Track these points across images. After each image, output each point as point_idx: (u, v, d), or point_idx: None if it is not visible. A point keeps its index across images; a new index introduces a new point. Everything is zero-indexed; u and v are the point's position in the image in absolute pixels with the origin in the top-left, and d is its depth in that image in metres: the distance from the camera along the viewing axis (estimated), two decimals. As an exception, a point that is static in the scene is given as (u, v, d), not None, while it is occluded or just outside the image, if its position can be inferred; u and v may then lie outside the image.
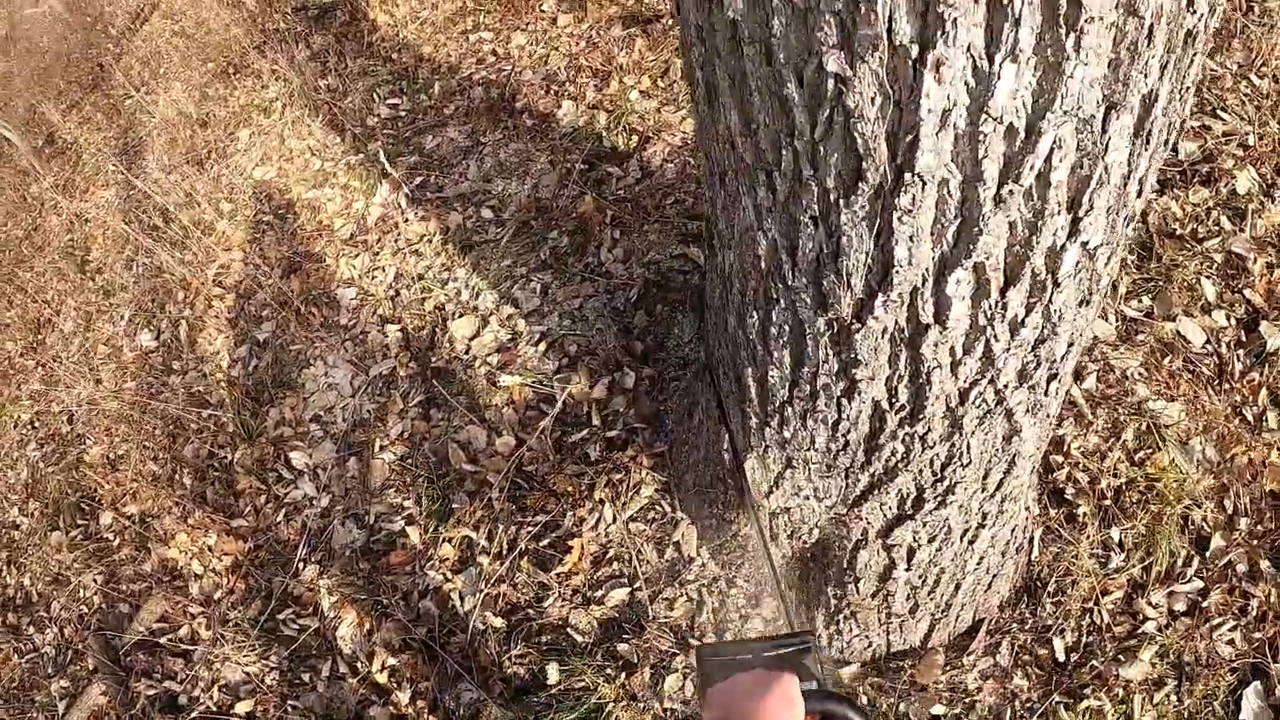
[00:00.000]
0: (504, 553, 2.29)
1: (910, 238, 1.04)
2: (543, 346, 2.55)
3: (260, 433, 2.98)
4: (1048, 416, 1.44)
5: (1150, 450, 2.07)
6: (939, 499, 1.53)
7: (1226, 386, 2.12)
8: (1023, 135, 0.90)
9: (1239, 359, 2.13)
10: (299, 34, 4.28)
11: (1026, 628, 1.98)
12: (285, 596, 2.66)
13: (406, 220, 3.15)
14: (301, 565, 2.67)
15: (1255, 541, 1.95)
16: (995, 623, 2.02)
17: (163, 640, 2.83)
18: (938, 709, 1.93)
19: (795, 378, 1.40)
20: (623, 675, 2.03)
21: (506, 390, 2.52)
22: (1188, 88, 0.99)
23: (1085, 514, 2.03)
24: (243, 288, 3.36)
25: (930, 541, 1.65)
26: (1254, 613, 1.86)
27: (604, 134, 3.06)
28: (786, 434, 1.55)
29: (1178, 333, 2.21)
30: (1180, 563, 1.95)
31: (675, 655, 2.02)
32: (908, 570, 1.73)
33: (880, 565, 1.74)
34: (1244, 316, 2.19)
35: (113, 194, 4.20)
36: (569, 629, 2.14)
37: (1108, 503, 2.04)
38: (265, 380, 3.07)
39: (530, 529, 2.27)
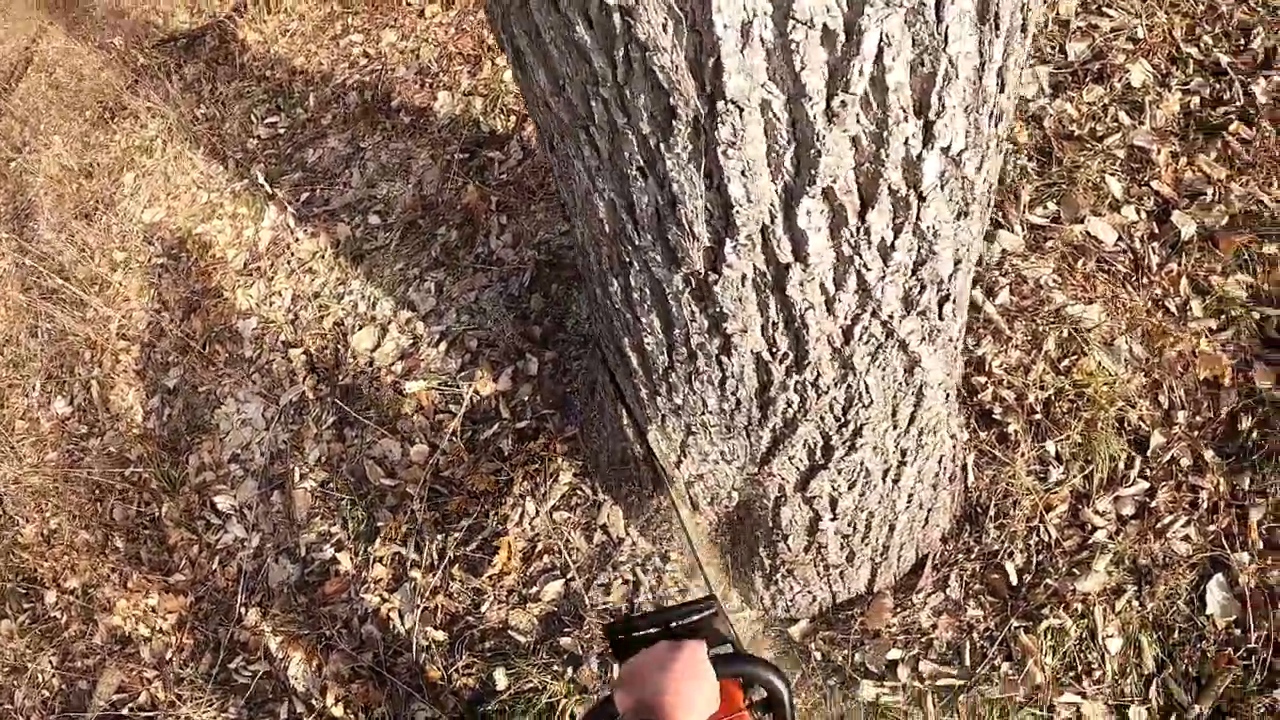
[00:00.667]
0: (435, 564, 2.21)
1: (742, 172, 0.94)
2: (444, 346, 2.45)
3: (183, 481, 2.87)
4: (950, 341, 1.36)
5: (1075, 357, 2.00)
6: (848, 444, 1.46)
7: (1145, 281, 2.07)
8: (842, 37, 0.80)
9: (1154, 251, 2.08)
10: (170, 67, 4.10)
11: (973, 557, 1.92)
12: (233, 645, 2.57)
13: (297, 240, 3.02)
14: (243, 610, 2.57)
15: (1196, 433, 1.89)
16: (940, 556, 1.95)
17: (124, 711, 2.73)
18: (894, 653, 1.88)
19: (670, 341, 1.31)
20: (569, 670, 1.96)
21: (413, 398, 2.42)
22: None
23: (1017, 431, 1.96)
24: (146, 336, 3.23)
25: (851, 488, 1.58)
26: (1204, 505, 1.81)
27: (481, 119, 2.94)
28: (678, 400, 1.47)
29: (1088, 234, 2.14)
30: (1122, 466, 1.89)
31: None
32: (834, 520, 1.66)
33: (805, 519, 1.67)
34: (1154, 209, 2.14)
35: (8, 262, 4.02)
36: (510, 631, 2.07)
37: (1038, 416, 1.97)
38: (180, 427, 2.95)
39: (456, 535, 2.19)
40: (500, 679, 2.00)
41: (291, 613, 2.44)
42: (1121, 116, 2.26)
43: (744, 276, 1.12)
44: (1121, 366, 1.98)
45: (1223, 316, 1.97)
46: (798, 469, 1.55)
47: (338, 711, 2.28)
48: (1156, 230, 2.11)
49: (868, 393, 1.34)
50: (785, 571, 1.84)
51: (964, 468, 1.96)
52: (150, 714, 2.64)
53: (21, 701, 3.02)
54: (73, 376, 3.40)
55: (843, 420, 1.41)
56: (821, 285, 1.12)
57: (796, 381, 1.32)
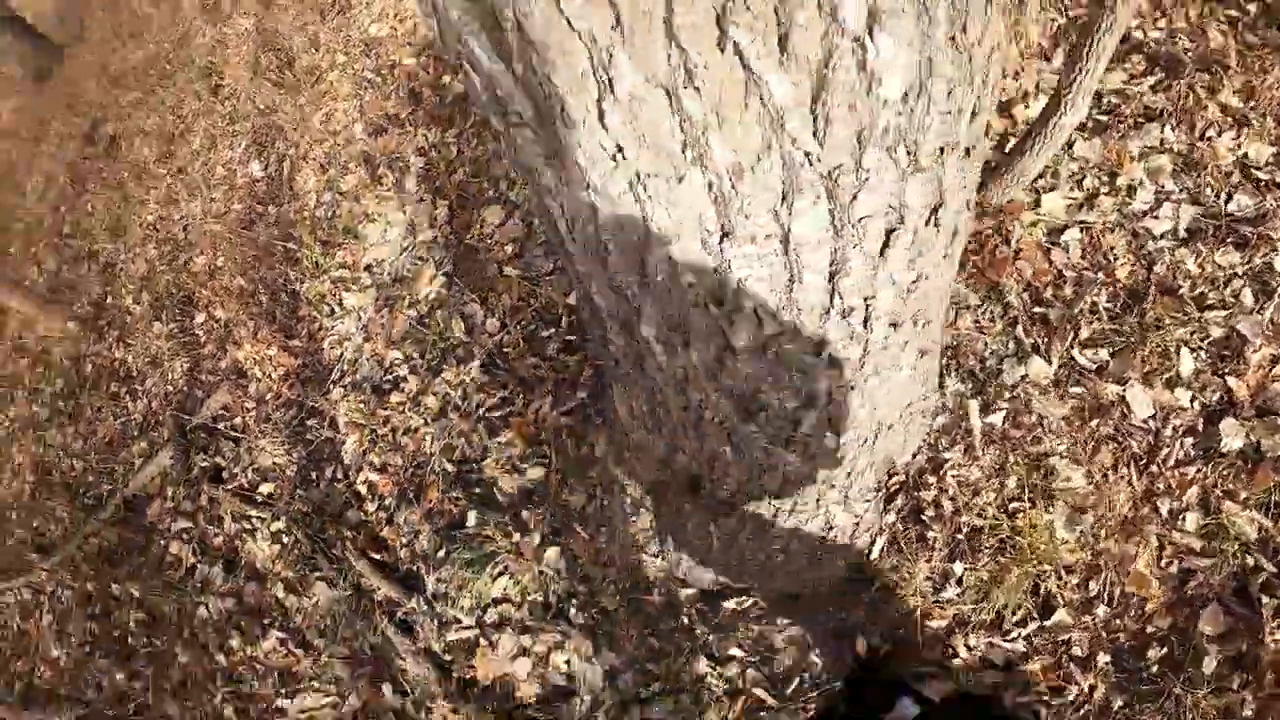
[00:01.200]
0: (469, 413, 2.98)
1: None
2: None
3: (326, 270, 3.76)
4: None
5: (1030, 505, 2.26)
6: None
7: (1153, 470, 2.15)
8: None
9: (1181, 447, 2.14)
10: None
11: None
12: (314, 409, 3.48)
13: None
14: (331, 387, 3.47)
15: (1105, 634, 2.03)
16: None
17: (220, 426, 3.75)
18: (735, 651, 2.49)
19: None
20: (518, 535, 2.71)
21: (508, 280, 3.14)
22: None
23: (935, 540, 2.33)
24: (338, 140, 4.10)
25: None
26: (1069, 698, 2.00)
27: None
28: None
29: (1123, 398, 2.25)
30: (1014, 620, 2.11)
31: (557, 534, 2.68)
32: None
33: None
34: (1212, 405, 2.16)
35: (250, 24, 5.00)
36: (495, 488, 2.83)
37: (961, 537, 2.31)
38: (338, 225, 3.82)
39: (491, 400, 2.94)
40: (471, 519, 2.79)
41: (361, 405, 3.30)
42: (1243, 295, 2.22)
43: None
44: (1072, 537, 2.18)
45: (1214, 544, 2.04)
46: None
47: (361, 489, 3.15)
48: (1200, 428, 2.15)
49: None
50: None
51: (872, 543, 2.43)
52: (238, 435, 3.63)
53: (149, 387, 4.12)
54: (271, 148, 4.35)
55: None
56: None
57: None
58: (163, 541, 3.70)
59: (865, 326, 1.36)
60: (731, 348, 1.30)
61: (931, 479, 2.42)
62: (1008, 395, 2.42)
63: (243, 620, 3.30)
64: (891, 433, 2.01)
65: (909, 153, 1.03)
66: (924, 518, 2.40)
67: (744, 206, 1.04)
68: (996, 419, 2.42)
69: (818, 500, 2.01)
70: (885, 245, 1.20)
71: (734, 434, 1.63)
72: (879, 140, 0.98)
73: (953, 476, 2.40)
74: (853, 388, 1.55)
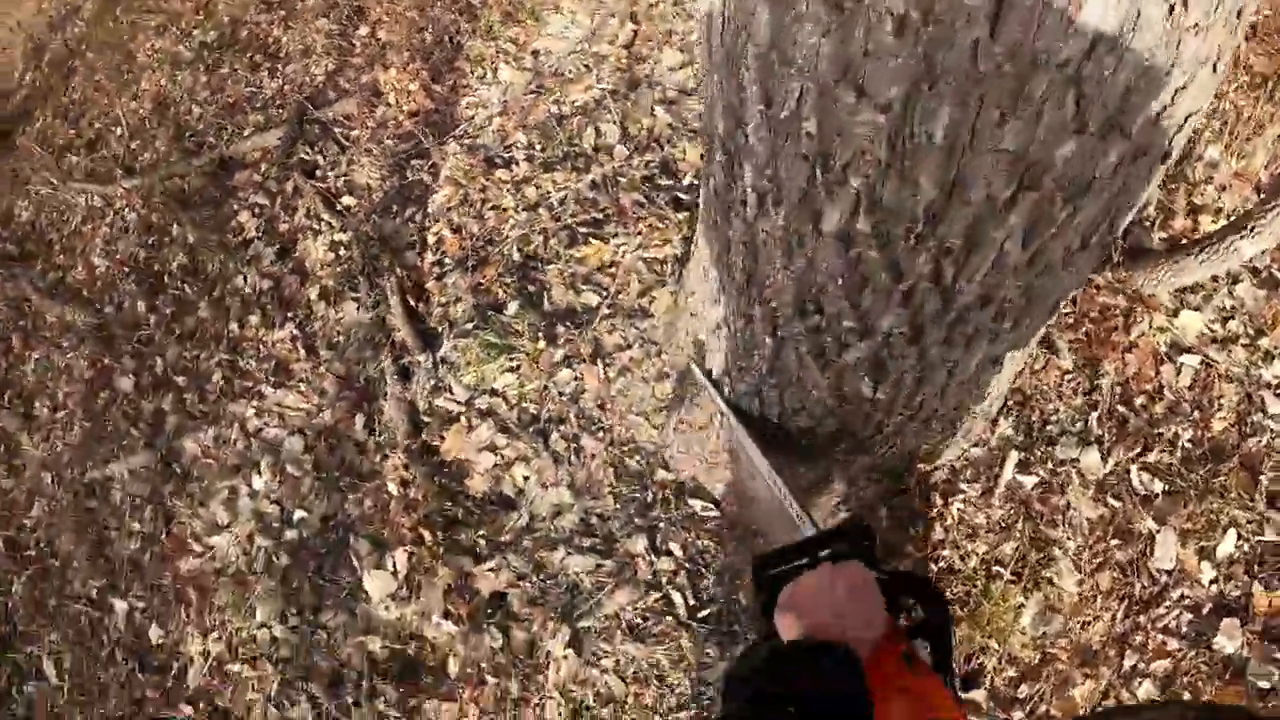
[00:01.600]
0: (558, 217, 3.14)
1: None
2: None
3: (496, 37, 3.93)
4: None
5: (1011, 581, 2.37)
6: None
7: (1140, 621, 2.28)
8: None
9: (1178, 618, 2.26)
10: None
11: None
12: (424, 153, 3.69)
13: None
14: (449, 140, 3.66)
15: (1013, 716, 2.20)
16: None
17: (336, 130, 4.00)
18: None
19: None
20: (544, 344, 2.88)
21: (655, 120, 3.27)
22: None
23: (909, 554, 2.47)
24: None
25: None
26: None
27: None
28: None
29: (1152, 538, 2.34)
30: None
31: (579, 362, 2.83)
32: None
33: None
34: (1229, 597, 2.26)
35: None
36: (547, 294, 3.00)
37: (933, 567, 2.45)
38: (526, 4, 3.97)
39: (584, 214, 3.09)
40: (511, 308, 2.97)
41: (468, 167, 3.49)
42: None
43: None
44: (1032, 632, 2.31)
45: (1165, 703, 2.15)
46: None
47: (432, 238, 3.36)
48: (1204, 611, 2.26)
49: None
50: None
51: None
52: (346, 144, 3.87)
53: (289, 71, 4.37)
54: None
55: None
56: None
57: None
58: (236, 207, 3.99)
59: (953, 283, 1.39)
60: (818, 228, 1.35)
61: (937, 500, 2.52)
62: (1050, 467, 2.50)
63: (269, 304, 3.57)
64: (921, 426, 2.09)
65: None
66: (910, 531, 2.48)
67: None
68: (1028, 482, 2.51)
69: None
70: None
71: (779, 329, 1.72)
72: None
73: (958, 509, 2.51)
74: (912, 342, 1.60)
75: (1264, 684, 2.18)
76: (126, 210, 4.40)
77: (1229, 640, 2.23)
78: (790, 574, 1.14)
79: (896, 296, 1.43)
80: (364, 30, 4.38)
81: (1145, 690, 2.25)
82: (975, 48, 0.95)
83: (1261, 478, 2.37)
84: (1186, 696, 2.20)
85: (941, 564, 2.50)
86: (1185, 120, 1.14)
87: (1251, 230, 2.14)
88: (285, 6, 4.84)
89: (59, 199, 4.72)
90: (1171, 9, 0.91)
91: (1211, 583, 2.31)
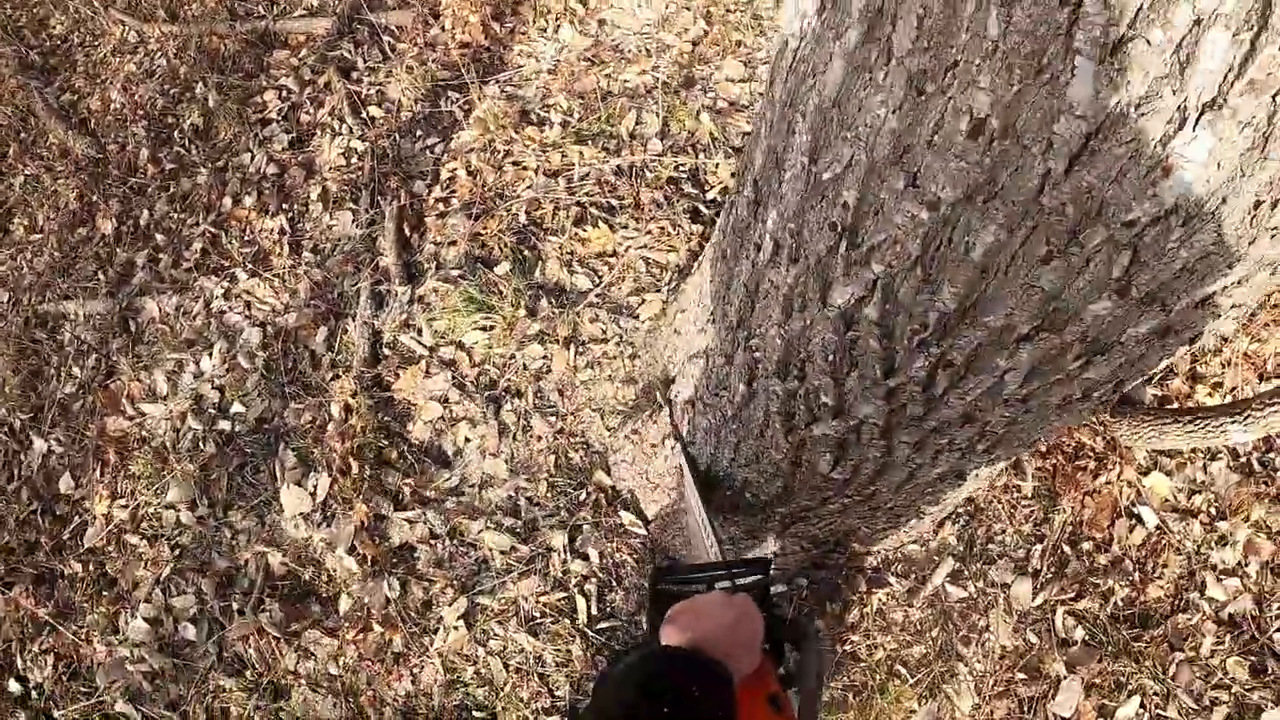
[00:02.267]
0: (574, 191, 3.01)
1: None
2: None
3: (569, -7, 3.78)
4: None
5: (913, 683, 2.37)
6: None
7: None
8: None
9: None
10: None
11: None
12: (461, 88, 3.54)
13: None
14: (490, 82, 3.52)
15: None
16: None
17: (384, 38, 3.84)
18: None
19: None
20: (523, 313, 2.76)
21: (700, 124, 3.14)
22: None
23: (818, 631, 2.43)
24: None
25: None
26: None
27: None
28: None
29: (1058, 684, 2.34)
30: None
31: (553, 342, 2.72)
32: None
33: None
34: None
35: None
36: (541, 265, 2.88)
37: (839, 649, 2.44)
38: None
39: (601, 196, 2.97)
40: (502, 269, 2.88)
41: (499, 114, 3.35)
42: (1216, 711, 2.30)
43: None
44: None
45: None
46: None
47: (445, 173, 3.22)
48: None
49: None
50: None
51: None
52: (389, 55, 3.71)
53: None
54: None
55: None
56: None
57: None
58: (265, 84, 3.84)
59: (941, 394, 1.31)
60: (825, 299, 1.25)
61: (862, 585, 2.47)
62: (981, 585, 2.45)
63: (268, 190, 3.43)
64: (868, 512, 2.00)
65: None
66: (827, 606, 2.42)
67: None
68: (955, 593, 2.46)
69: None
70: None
71: (755, 381, 1.62)
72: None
73: (879, 599, 2.46)
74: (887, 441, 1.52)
75: None
76: (158, 54, 4.22)
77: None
78: (686, 593, 1.15)
79: (881, 390, 1.33)
80: (440, -53, 4.21)
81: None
82: (1044, 179, 0.84)
83: (1179, 654, 2.32)
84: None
85: (848, 648, 2.42)
86: (1230, 310, 1.04)
87: (1245, 419, 2.06)
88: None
89: (96, 23, 4.53)
90: (1257, 205, 0.80)
91: (1106, 747, 2.27)
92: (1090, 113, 0.77)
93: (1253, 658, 2.33)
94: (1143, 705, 2.27)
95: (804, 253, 1.24)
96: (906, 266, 1.06)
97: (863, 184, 1.04)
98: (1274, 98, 0.70)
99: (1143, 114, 0.74)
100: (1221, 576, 2.41)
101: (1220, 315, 1.05)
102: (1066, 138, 0.79)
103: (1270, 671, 2.31)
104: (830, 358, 1.34)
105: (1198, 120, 0.73)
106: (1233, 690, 2.29)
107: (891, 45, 0.90)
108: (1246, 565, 2.43)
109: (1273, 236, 0.86)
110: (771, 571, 1.22)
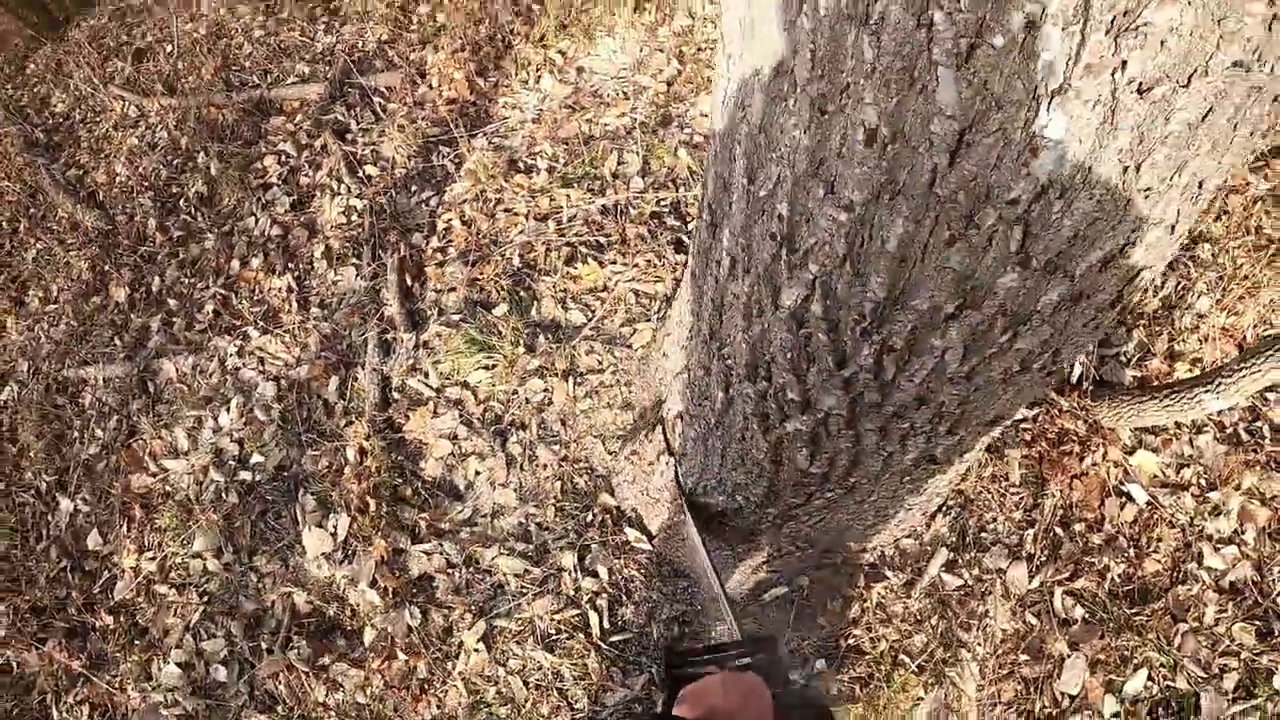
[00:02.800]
0: (564, 232, 3.21)
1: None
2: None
3: (548, 47, 4.02)
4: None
5: (913, 670, 2.46)
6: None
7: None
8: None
9: None
10: None
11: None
12: (452, 142, 3.76)
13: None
14: (479, 135, 3.73)
15: None
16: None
17: (375, 98, 4.07)
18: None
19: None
20: (523, 352, 2.96)
21: (677, 160, 3.35)
22: None
23: (822, 627, 2.58)
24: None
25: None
26: None
27: None
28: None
29: (1062, 661, 2.39)
30: None
31: (552, 375, 2.90)
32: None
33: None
34: None
35: None
36: (536, 305, 3.08)
37: (841, 644, 2.56)
38: (583, 19, 4.06)
39: (590, 234, 3.17)
40: (500, 310, 3.05)
41: (489, 165, 3.56)
42: (1228, 676, 2.33)
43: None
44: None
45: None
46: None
47: (442, 224, 3.42)
48: None
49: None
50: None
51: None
52: (381, 115, 3.93)
53: (345, 34, 4.46)
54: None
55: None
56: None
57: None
58: (264, 150, 4.06)
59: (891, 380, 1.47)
60: (777, 302, 1.43)
61: (861, 580, 2.59)
62: (976, 573, 2.55)
63: (274, 251, 3.64)
64: (855, 505, 2.16)
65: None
66: (828, 604, 2.56)
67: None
68: (951, 582, 2.56)
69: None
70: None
71: (731, 387, 1.79)
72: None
73: (879, 593, 2.56)
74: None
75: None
76: (159, 127, 4.46)
77: (1112, 776, 2.28)
78: (697, 675, 1.22)
79: (838, 380, 1.50)
80: (424, 9, 4.47)
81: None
82: (934, 173, 1.03)
83: (1182, 625, 2.40)
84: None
85: (851, 641, 2.56)
86: (1136, 273, 1.21)
87: (1217, 386, 2.18)
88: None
89: (97, 99, 4.78)
90: (1124, 170, 0.98)
91: (1113, 716, 2.35)
92: (958, 112, 0.95)
93: (1258, 622, 2.38)
94: (1150, 678, 2.36)
95: (754, 263, 1.43)
96: (837, 264, 1.24)
97: (791, 196, 1.23)
98: (1111, 75, 0.88)
99: (1001, 106, 0.93)
100: (1219, 546, 2.50)
101: (1131, 278, 1.22)
102: (943, 135, 0.98)
103: (1277, 634, 2.37)
104: (789, 355, 1.51)
105: (1050, 104, 0.91)
106: (1241, 656, 2.35)
107: (795, 77, 1.09)
108: (1243, 533, 2.51)
109: (1145, 196, 1.03)
110: (777, 648, 1.30)
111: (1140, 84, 0.88)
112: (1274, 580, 2.43)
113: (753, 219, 1.36)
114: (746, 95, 1.23)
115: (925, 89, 0.96)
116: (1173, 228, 1.14)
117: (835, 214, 1.17)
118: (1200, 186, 1.08)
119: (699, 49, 3.84)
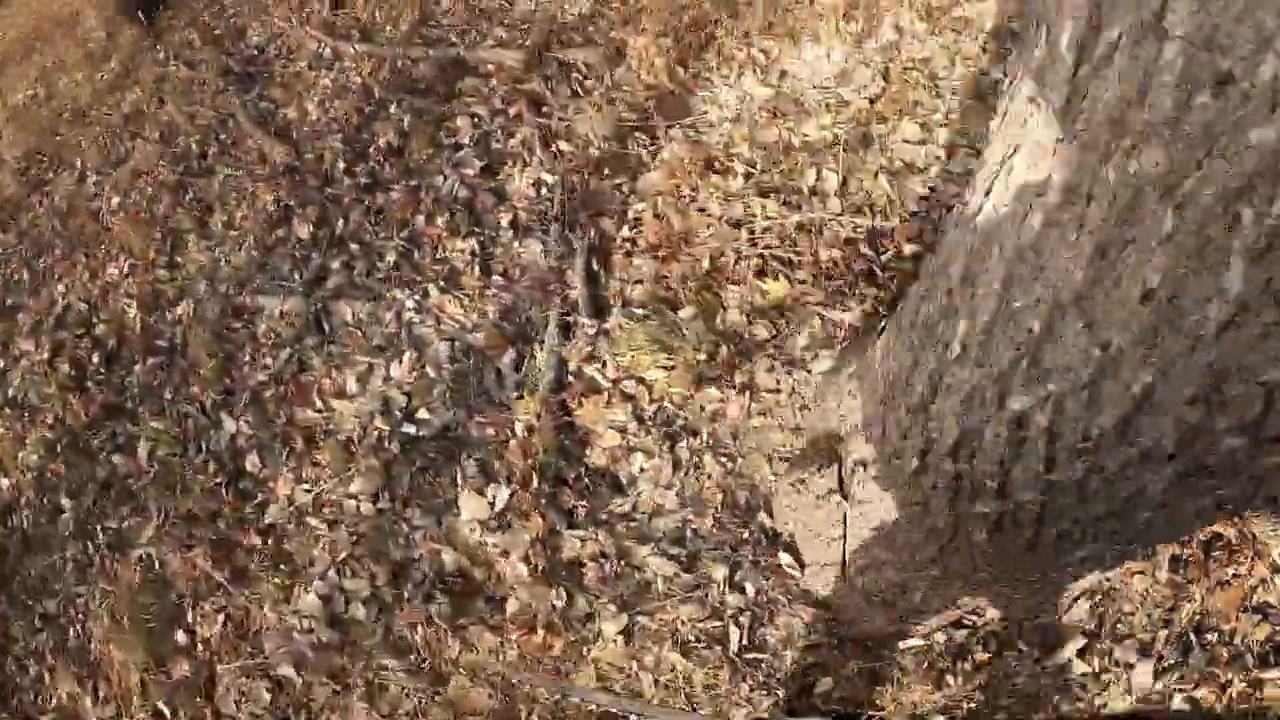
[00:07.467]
0: (755, 243, 3.47)
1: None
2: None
3: (751, 43, 4.25)
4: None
5: None
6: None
7: None
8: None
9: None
10: None
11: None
12: (650, 129, 4.03)
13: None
14: (678, 129, 4.00)
15: None
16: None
17: (573, 74, 4.37)
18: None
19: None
20: (703, 358, 3.23)
21: (877, 184, 3.56)
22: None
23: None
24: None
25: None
26: None
27: None
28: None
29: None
30: None
31: (729, 387, 3.16)
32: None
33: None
34: None
35: None
36: (723, 311, 3.34)
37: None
38: (787, 20, 4.27)
39: (782, 253, 3.42)
40: (686, 312, 3.30)
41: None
42: None
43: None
44: None
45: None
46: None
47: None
48: None
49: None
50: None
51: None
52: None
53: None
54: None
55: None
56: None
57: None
58: (456, 110, 4.43)
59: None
60: (1004, 403, 1.66)
61: (993, 647, 2.78)
62: (1104, 661, 2.72)
63: (460, 212, 4.02)
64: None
65: None
66: (957, 666, 2.78)
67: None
68: (1079, 667, 2.75)
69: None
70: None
71: (929, 457, 2.04)
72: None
73: (1008, 666, 2.76)
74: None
75: None
76: (353, 72, 4.86)
77: None
78: None
79: (1041, 484, 1.73)
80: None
81: None
82: (1196, 340, 1.26)
83: None
84: None
85: (971, 704, 2.77)
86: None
87: None
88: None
89: (292, 37, 5.21)
90: None
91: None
92: (1238, 299, 1.18)
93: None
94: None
95: (989, 361, 1.67)
96: (1076, 389, 1.48)
97: (1047, 317, 1.46)
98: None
99: (1278, 304, 1.15)
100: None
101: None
102: (1218, 315, 1.21)
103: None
104: (1001, 450, 1.75)
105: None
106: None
107: (1085, 217, 1.32)
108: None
109: None
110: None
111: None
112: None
113: (997, 322, 1.60)
114: (1023, 207, 1.46)
115: (1213, 270, 1.19)
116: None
117: (1089, 347, 1.41)
118: None
119: (905, 67, 4.02)
